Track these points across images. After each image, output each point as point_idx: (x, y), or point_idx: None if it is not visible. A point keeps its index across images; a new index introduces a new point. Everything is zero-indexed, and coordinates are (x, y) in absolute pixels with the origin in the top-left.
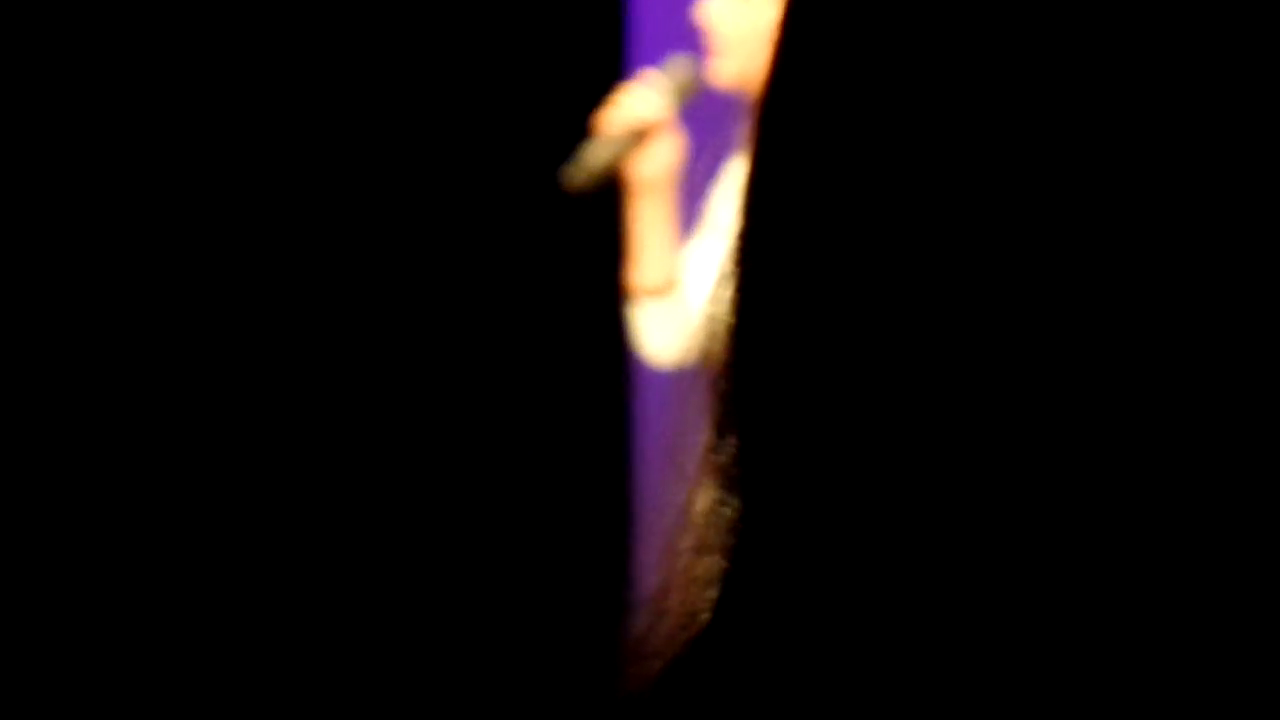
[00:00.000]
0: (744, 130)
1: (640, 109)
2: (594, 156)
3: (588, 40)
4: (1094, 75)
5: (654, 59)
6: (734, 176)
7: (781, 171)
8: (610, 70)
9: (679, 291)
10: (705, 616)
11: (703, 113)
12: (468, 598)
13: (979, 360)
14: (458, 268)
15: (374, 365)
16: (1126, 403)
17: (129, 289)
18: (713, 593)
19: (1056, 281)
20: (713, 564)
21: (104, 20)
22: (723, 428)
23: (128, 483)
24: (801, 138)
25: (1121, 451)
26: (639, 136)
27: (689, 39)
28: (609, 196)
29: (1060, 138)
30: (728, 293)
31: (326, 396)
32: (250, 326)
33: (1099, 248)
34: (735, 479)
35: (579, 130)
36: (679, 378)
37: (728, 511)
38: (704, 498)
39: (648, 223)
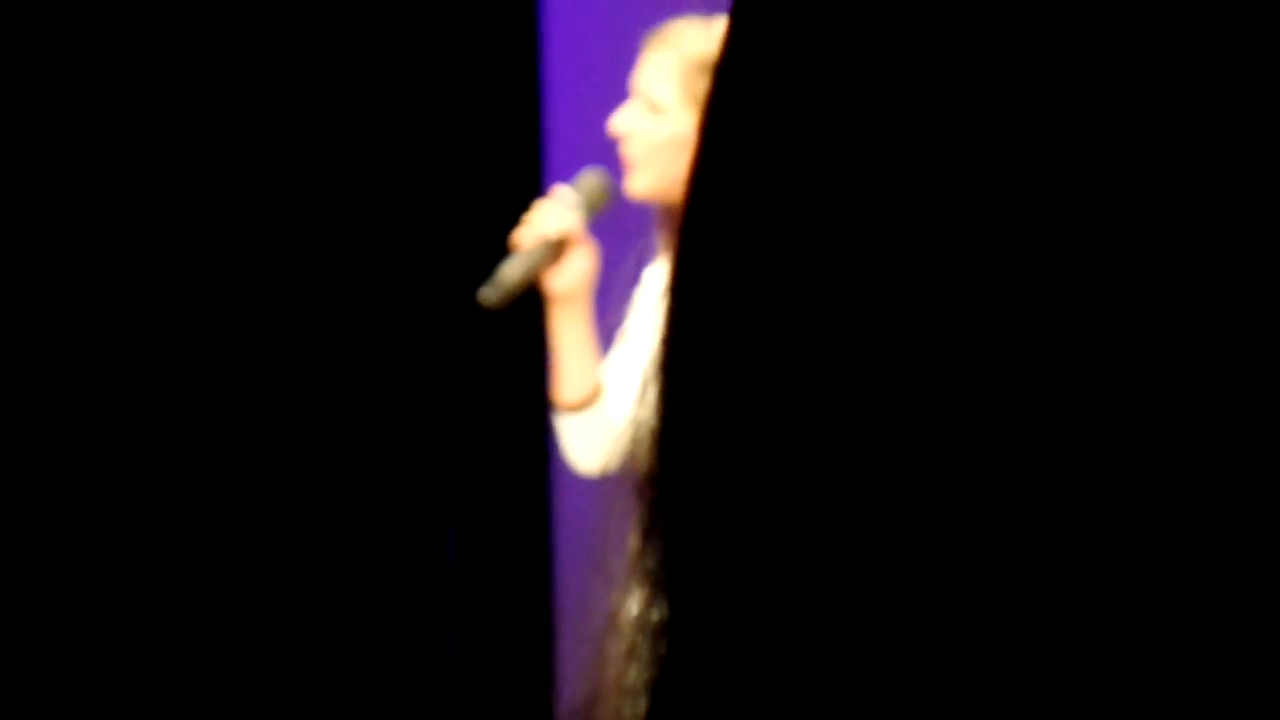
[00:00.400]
0: (662, 238)
1: (553, 222)
2: (509, 272)
3: (502, 155)
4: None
5: (569, 172)
6: (654, 283)
7: (704, 277)
8: (525, 185)
9: (600, 403)
10: None
11: (618, 223)
12: (384, 702)
13: (913, 465)
14: (380, 381)
15: (302, 472)
16: (1115, 421)
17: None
18: (642, 702)
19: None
20: (642, 671)
21: (86, 24)
22: (649, 532)
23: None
24: (724, 242)
25: (1113, 465)
26: (553, 250)
27: (603, 151)
28: (532, 308)
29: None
30: (651, 398)
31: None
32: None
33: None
34: (662, 584)
35: (495, 247)
36: (603, 483)
37: (655, 617)
38: (632, 603)
39: (565, 335)
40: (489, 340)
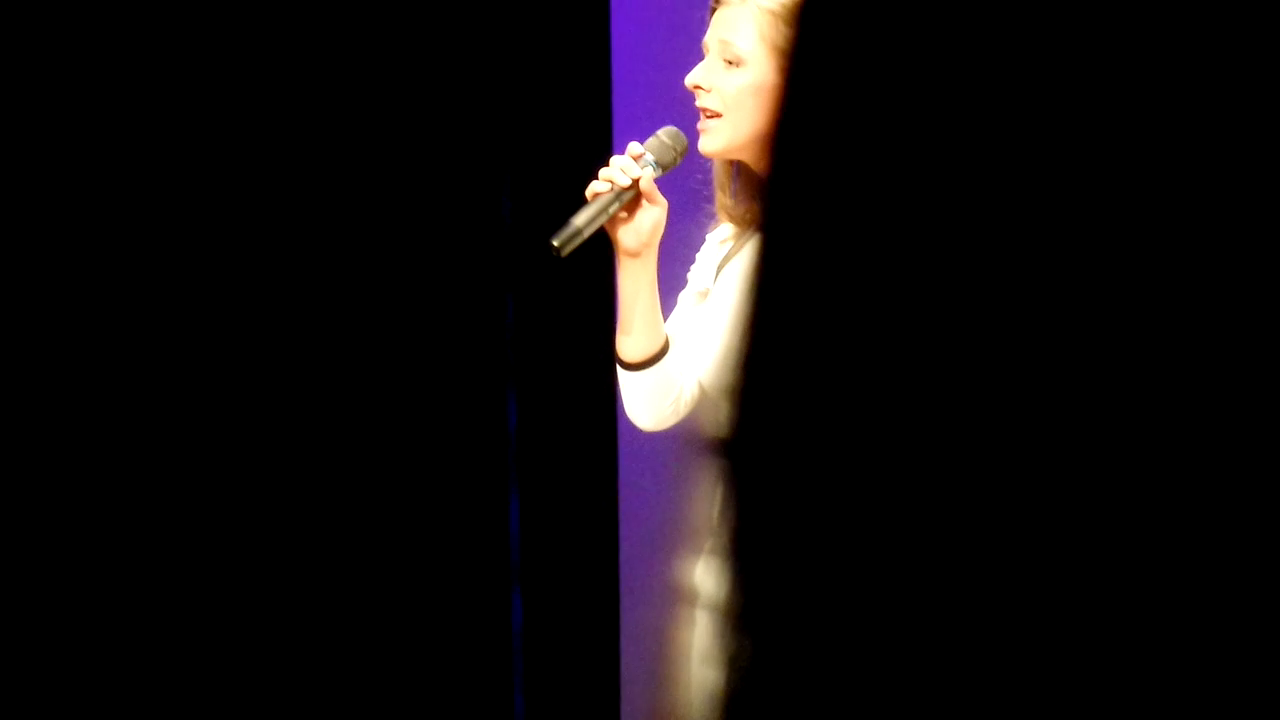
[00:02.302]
0: (724, 200)
1: (625, 175)
2: (579, 220)
3: (574, 105)
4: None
5: (640, 126)
6: (738, 252)
7: (798, 257)
8: (596, 136)
9: (665, 361)
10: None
11: (688, 180)
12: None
13: (983, 445)
14: (449, 329)
15: (348, 427)
16: (1115, 423)
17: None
18: (720, 678)
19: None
20: (716, 649)
21: (81, 22)
22: (727, 504)
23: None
24: (817, 223)
25: (1113, 464)
26: (625, 202)
27: (674, 106)
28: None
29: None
30: (734, 372)
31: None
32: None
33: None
34: (739, 553)
35: (567, 195)
36: (668, 447)
37: (731, 595)
38: (699, 575)
39: (632, 290)
40: (556, 301)
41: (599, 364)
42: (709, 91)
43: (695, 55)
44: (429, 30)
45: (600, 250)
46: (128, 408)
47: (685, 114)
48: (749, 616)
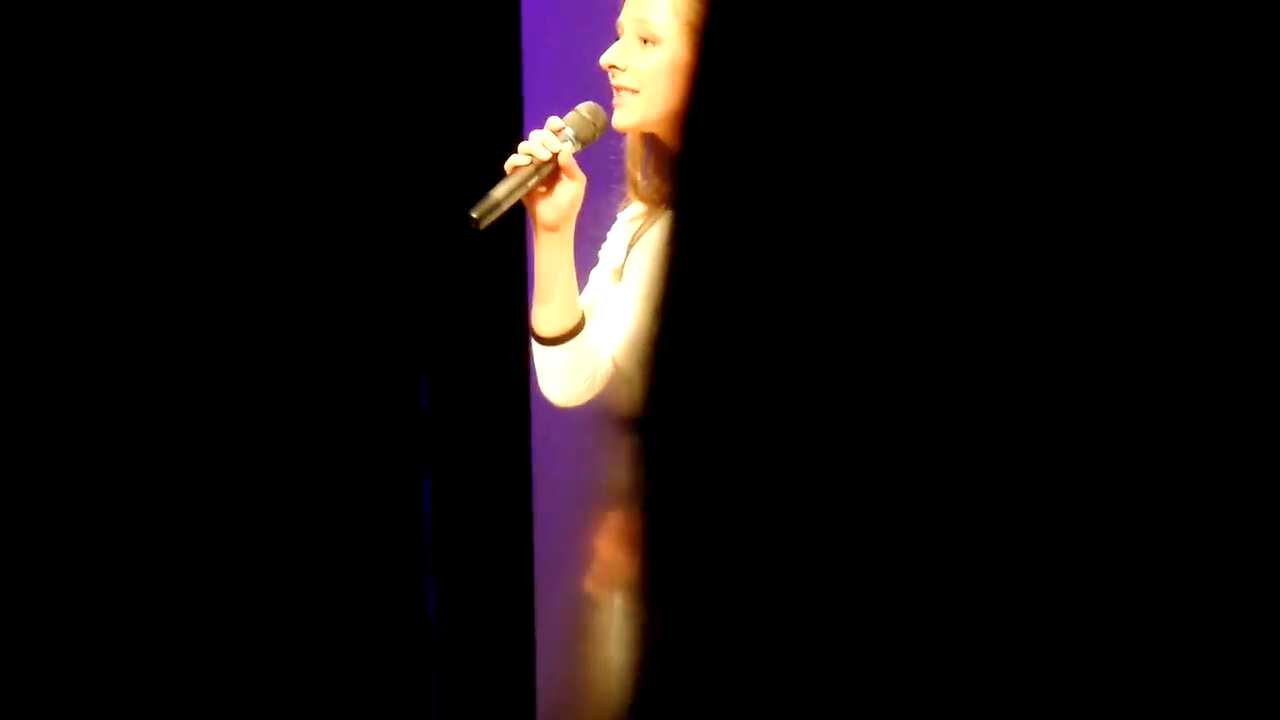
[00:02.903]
0: (636, 177)
1: (545, 149)
2: (498, 192)
3: (484, 84)
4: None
5: (549, 106)
6: (648, 229)
7: (707, 235)
8: (507, 115)
9: (581, 336)
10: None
11: (603, 159)
12: (343, 630)
13: (891, 420)
14: (361, 309)
15: (261, 409)
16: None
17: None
18: (628, 671)
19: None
20: (627, 638)
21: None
22: (637, 481)
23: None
24: (727, 201)
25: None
26: (544, 176)
27: (584, 85)
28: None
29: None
30: (645, 349)
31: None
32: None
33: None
34: (648, 532)
35: (478, 173)
36: (581, 424)
37: (642, 580)
38: (611, 552)
39: (549, 265)
40: (469, 273)
41: (511, 341)
42: (625, 70)
43: (605, 34)
44: (336, 10)
45: (512, 226)
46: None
47: (595, 95)
48: (658, 595)
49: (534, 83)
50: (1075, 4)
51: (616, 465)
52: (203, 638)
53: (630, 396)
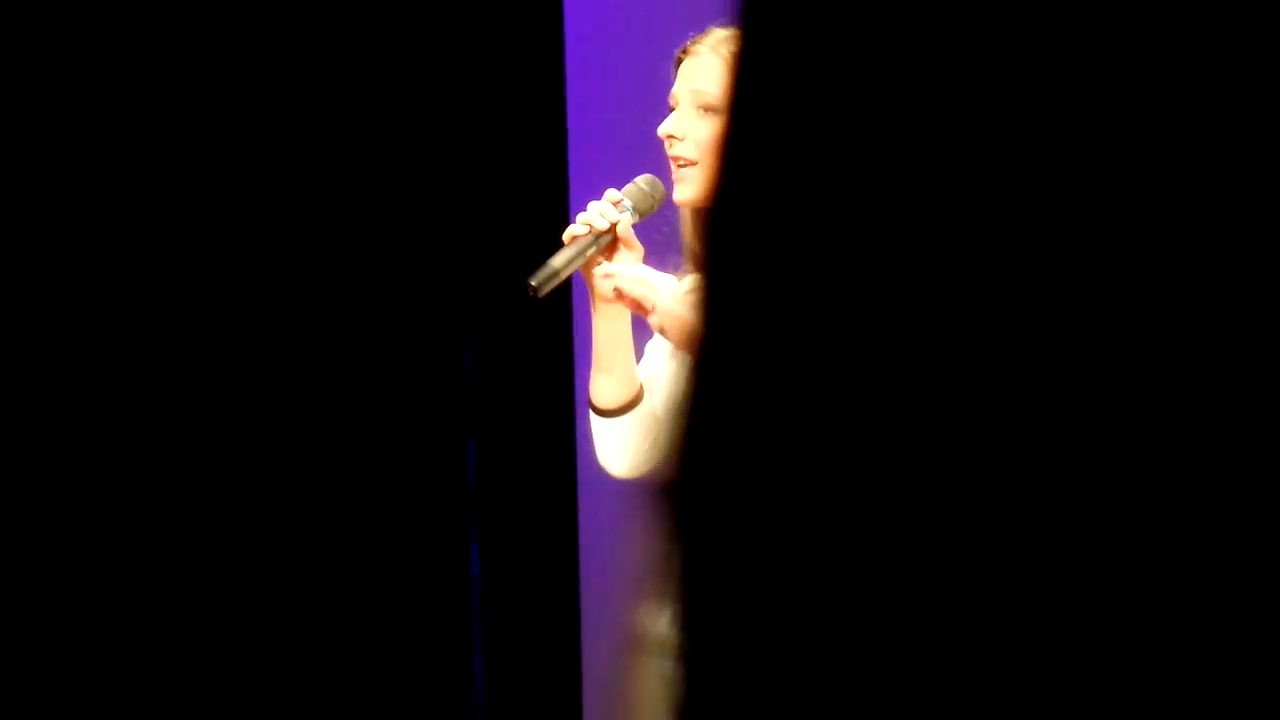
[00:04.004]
0: (691, 250)
1: (604, 219)
2: (557, 261)
3: (530, 155)
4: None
5: (595, 179)
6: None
7: (733, 290)
8: (553, 188)
9: (640, 407)
10: None
11: (658, 231)
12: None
13: (932, 477)
14: (409, 376)
15: (307, 476)
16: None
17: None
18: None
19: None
20: (666, 685)
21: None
22: (672, 542)
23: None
24: (751, 255)
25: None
26: (602, 246)
27: (631, 157)
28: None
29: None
30: (679, 412)
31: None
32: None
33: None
34: (685, 594)
35: (524, 243)
36: (627, 492)
37: (679, 632)
38: (657, 619)
39: (608, 337)
40: (519, 344)
41: (556, 409)
42: (683, 140)
43: (652, 108)
44: (393, 77)
45: (557, 295)
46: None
47: (643, 165)
48: (696, 661)
49: (580, 152)
50: (1077, 5)
51: (659, 533)
52: (253, 695)
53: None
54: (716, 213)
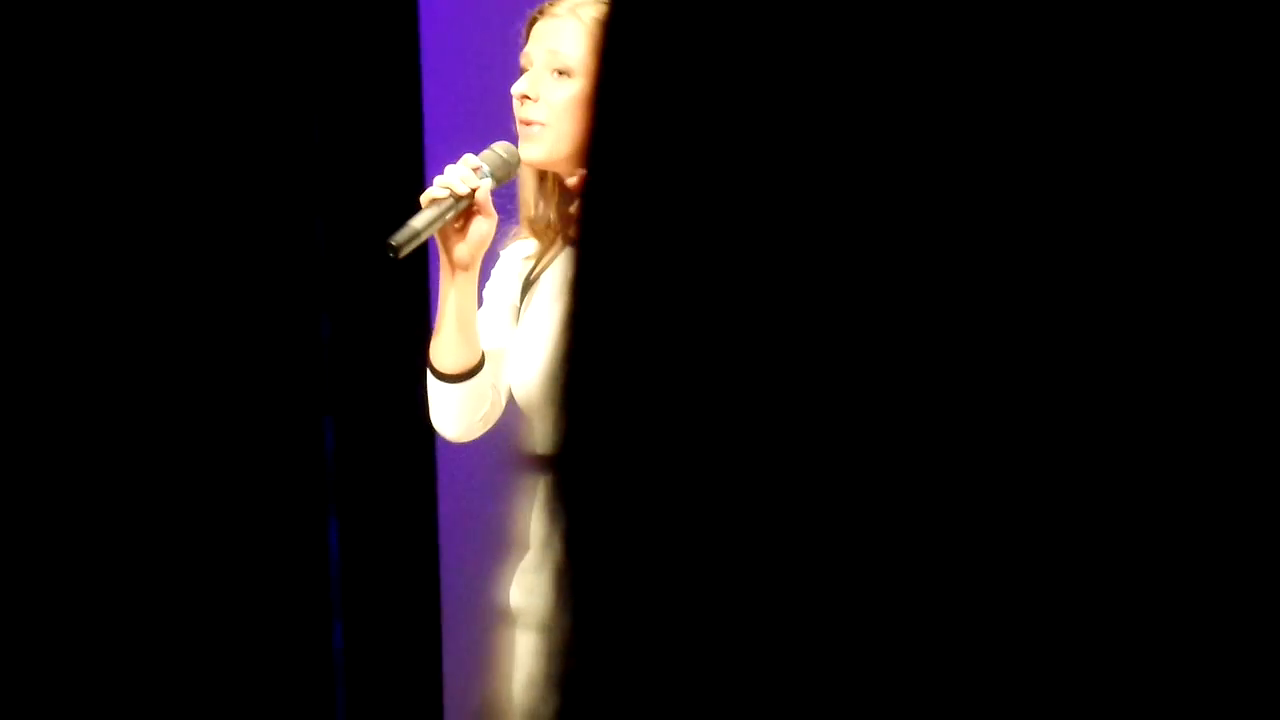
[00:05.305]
0: (548, 217)
1: (464, 183)
2: (417, 222)
3: (384, 121)
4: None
5: (450, 141)
6: (549, 265)
7: (610, 265)
8: (407, 154)
9: (480, 373)
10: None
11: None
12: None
13: (812, 453)
14: (264, 349)
15: (164, 450)
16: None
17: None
18: (545, 695)
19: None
20: (543, 660)
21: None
22: (551, 520)
23: None
24: (628, 229)
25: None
26: (460, 212)
27: (485, 120)
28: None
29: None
30: (557, 386)
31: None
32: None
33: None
34: (566, 567)
35: (379, 213)
36: (492, 465)
37: (559, 607)
38: (520, 591)
39: (456, 303)
40: (376, 317)
41: (413, 380)
42: (536, 101)
43: (506, 70)
44: (243, 42)
45: (414, 263)
46: None
47: (496, 130)
48: (571, 635)
49: (435, 116)
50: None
51: (521, 505)
52: (116, 686)
53: (539, 434)
54: (590, 189)
